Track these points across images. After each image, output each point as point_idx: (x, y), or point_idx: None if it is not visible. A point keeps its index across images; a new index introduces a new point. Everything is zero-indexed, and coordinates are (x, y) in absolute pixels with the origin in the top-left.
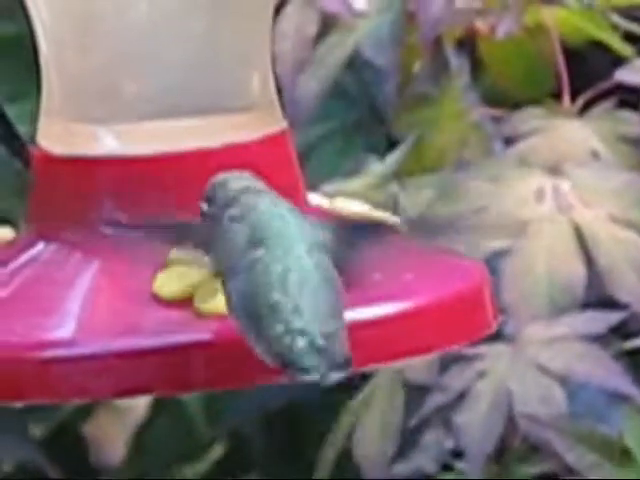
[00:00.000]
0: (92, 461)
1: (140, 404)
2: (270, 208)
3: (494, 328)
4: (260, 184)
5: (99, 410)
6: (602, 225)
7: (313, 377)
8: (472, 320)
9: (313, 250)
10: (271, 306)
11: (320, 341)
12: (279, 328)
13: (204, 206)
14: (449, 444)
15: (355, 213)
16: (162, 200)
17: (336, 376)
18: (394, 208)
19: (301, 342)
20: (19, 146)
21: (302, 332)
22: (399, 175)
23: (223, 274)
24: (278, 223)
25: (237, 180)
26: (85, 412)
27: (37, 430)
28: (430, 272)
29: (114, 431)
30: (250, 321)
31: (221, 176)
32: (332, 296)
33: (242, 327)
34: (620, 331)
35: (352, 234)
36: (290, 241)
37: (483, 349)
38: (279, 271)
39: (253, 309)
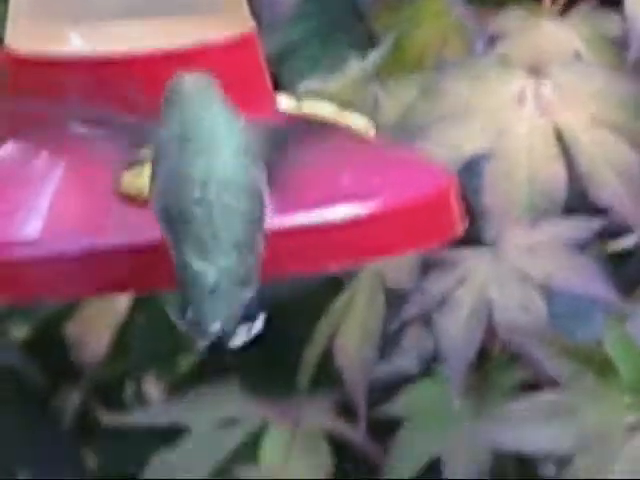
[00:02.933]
0: (74, 360)
1: (122, 302)
2: (203, 105)
3: (461, 232)
4: (214, 89)
5: (81, 309)
6: (583, 127)
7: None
8: (439, 223)
9: (239, 154)
10: (186, 211)
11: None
12: (189, 249)
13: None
14: (430, 345)
15: (321, 115)
16: (128, 100)
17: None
18: (374, 108)
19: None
20: None
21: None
22: (379, 75)
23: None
24: (208, 123)
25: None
26: (67, 311)
27: (19, 331)
28: (398, 175)
29: (96, 330)
30: (166, 218)
31: (179, 78)
32: (248, 213)
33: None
34: (601, 234)
35: (288, 136)
36: (217, 143)
37: (463, 254)
38: (202, 168)
39: (171, 205)
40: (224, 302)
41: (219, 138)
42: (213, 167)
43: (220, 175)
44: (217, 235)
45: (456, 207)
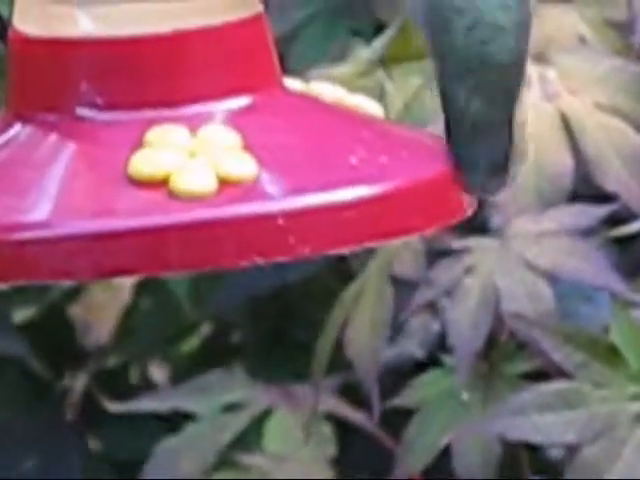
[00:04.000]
0: (79, 344)
1: (126, 286)
2: None
3: (469, 212)
4: None
5: (86, 293)
6: (588, 113)
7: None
8: (448, 203)
9: None
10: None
11: None
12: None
13: None
14: (435, 330)
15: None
16: (137, 82)
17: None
18: (380, 96)
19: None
20: None
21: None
22: (385, 62)
23: None
24: None
25: None
26: (71, 295)
27: (22, 314)
28: (406, 155)
29: (101, 314)
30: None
31: None
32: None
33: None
34: (608, 219)
35: None
36: None
37: (470, 243)
38: None
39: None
40: (489, 144)
41: None
42: None
43: None
44: (484, 54)
45: None
